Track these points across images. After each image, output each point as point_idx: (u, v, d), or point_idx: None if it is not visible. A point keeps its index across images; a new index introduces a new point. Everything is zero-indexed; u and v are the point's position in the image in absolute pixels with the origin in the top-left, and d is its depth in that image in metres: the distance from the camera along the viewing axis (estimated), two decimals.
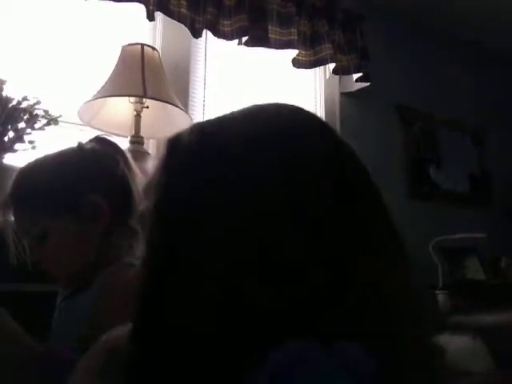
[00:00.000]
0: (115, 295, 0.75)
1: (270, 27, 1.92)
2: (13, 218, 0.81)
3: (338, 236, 0.38)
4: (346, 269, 0.37)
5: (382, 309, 0.37)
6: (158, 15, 1.76)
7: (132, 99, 1.46)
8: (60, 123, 1.35)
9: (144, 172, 1.39)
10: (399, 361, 0.36)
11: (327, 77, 2.25)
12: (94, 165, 0.83)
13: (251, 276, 0.35)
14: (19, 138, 1.24)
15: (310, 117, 0.45)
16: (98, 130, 1.45)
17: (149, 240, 0.40)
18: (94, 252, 0.80)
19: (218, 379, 0.35)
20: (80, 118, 1.46)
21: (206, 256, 0.37)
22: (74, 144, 0.86)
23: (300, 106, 0.46)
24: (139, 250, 0.82)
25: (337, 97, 2.29)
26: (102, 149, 0.86)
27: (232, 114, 0.44)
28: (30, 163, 0.84)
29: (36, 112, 1.26)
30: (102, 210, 0.80)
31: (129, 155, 0.89)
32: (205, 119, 0.45)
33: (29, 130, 1.25)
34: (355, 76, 2.19)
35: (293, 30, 1.97)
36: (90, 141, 0.88)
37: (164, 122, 1.58)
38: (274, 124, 0.43)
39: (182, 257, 0.38)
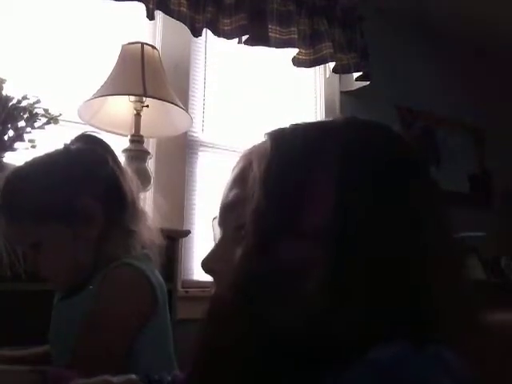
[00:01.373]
0: (114, 291, 0.75)
1: (270, 26, 1.92)
2: (4, 226, 0.79)
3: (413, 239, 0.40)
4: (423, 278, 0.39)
5: (453, 313, 0.39)
6: (158, 14, 1.76)
7: (132, 98, 1.45)
8: (60, 122, 1.35)
9: (141, 170, 1.40)
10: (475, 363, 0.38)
11: (327, 75, 2.25)
12: (84, 167, 0.80)
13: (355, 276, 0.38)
14: (19, 136, 1.24)
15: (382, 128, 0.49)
16: (98, 128, 1.45)
17: (259, 224, 0.41)
18: (91, 254, 0.79)
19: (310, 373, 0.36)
20: (80, 117, 1.46)
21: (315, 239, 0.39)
22: (61, 145, 0.84)
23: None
24: (136, 248, 0.82)
25: (337, 96, 2.29)
26: (90, 148, 0.83)
27: (332, 121, 0.48)
28: (16, 169, 0.81)
29: (36, 111, 1.26)
30: (96, 213, 0.78)
31: (115, 152, 0.86)
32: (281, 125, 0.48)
33: (29, 129, 1.25)
34: (355, 75, 2.19)
35: (293, 28, 1.97)
36: (77, 139, 0.85)
37: (164, 121, 1.58)
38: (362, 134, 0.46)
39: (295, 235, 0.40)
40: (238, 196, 0.47)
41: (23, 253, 0.81)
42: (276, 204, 0.41)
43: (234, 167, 0.51)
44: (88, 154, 0.82)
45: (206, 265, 0.49)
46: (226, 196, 0.49)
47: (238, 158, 0.51)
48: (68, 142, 0.85)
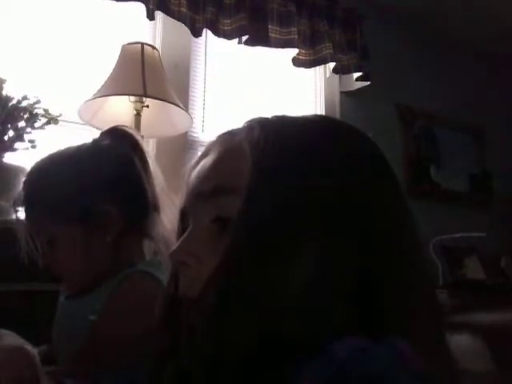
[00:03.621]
0: (129, 298, 0.73)
1: (270, 26, 1.92)
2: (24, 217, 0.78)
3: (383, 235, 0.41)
4: (385, 276, 0.40)
5: (414, 311, 0.40)
6: (158, 14, 1.76)
7: (132, 98, 1.45)
8: (60, 122, 1.35)
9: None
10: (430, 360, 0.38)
11: (327, 76, 2.25)
12: (108, 169, 0.77)
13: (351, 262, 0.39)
14: (19, 137, 1.24)
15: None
16: (98, 129, 1.45)
17: (253, 223, 0.39)
18: (104, 258, 0.77)
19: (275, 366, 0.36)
20: (80, 117, 1.46)
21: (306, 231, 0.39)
22: (89, 140, 0.82)
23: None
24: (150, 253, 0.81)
25: (337, 96, 2.29)
26: (119, 147, 0.80)
27: (304, 118, 0.47)
28: (43, 162, 0.79)
29: (36, 111, 1.26)
30: (114, 220, 0.76)
31: (146, 150, 0.83)
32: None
33: (29, 129, 1.25)
34: (355, 75, 2.19)
35: (293, 29, 1.97)
36: (106, 134, 0.83)
37: (164, 121, 1.58)
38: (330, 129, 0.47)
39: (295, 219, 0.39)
40: (219, 186, 0.42)
41: (40, 242, 0.79)
42: (274, 203, 0.39)
43: (208, 152, 0.46)
44: (114, 154, 0.80)
45: (177, 256, 0.44)
46: (201, 183, 0.44)
47: (211, 144, 0.47)
48: (97, 137, 0.83)
